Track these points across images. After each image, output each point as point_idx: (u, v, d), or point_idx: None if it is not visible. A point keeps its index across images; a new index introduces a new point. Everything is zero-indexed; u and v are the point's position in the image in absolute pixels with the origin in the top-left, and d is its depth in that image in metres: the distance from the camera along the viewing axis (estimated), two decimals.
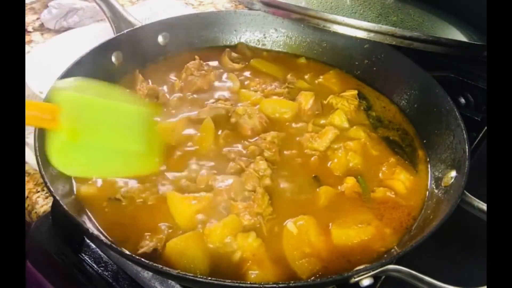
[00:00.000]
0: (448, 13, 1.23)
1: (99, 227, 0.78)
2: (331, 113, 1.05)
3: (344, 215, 0.84)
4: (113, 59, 1.08)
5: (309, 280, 0.73)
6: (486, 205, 0.76)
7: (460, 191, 0.78)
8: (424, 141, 1.02)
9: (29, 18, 1.56)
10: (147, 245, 0.74)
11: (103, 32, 1.27)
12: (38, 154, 0.76)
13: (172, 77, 1.13)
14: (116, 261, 0.81)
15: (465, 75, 1.26)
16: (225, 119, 1.01)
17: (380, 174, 0.93)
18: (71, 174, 0.78)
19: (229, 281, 0.64)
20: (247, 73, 1.18)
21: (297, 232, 0.79)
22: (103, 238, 0.73)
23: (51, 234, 0.85)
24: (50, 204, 0.89)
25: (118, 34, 1.11)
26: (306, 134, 0.99)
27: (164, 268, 0.65)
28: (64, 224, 0.84)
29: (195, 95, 1.08)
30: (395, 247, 0.80)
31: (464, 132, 0.89)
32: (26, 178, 0.99)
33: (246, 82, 1.14)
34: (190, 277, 0.64)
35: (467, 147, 0.86)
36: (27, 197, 0.97)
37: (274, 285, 0.63)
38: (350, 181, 0.89)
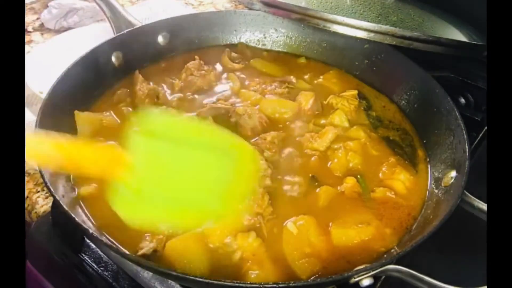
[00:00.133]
0: (448, 13, 1.23)
1: (99, 227, 0.78)
2: (331, 113, 1.05)
3: (344, 215, 0.84)
4: (113, 59, 1.08)
5: (309, 280, 0.73)
6: (486, 205, 0.76)
7: (460, 191, 0.78)
8: (424, 141, 1.02)
9: (29, 18, 1.56)
10: (147, 246, 0.74)
11: (103, 32, 1.28)
12: None
13: (172, 77, 1.13)
14: (116, 261, 0.81)
15: (465, 75, 1.26)
16: (225, 119, 1.01)
17: (380, 174, 0.93)
18: (138, 227, 0.67)
19: (229, 281, 0.64)
20: (247, 73, 1.18)
21: (297, 232, 0.79)
22: (103, 238, 0.74)
23: (51, 234, 0.85)
24: (50, 204, 0.89)
25: (118, 34, 1.11)
26: (306, 134, 0.99)
27: (164, 268, 0.65)
28: (64, 224, 0.84)
29: (195, 95, 1.08)
30: (395, 247, 0.80)
31: (464, 132, 0.89)
32: (26, 178, 0.99)
33: (246, 82, 1.14)
34: (190, 277, 0.64)
35: (467, 147, 0.86)
36: (27, 197, 0.97)
37: (274, 285, 0.63)
38: (350, 181, 0.89)
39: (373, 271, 0.67)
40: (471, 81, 1.26)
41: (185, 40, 1.22)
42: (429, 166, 0.96)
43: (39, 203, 0.95)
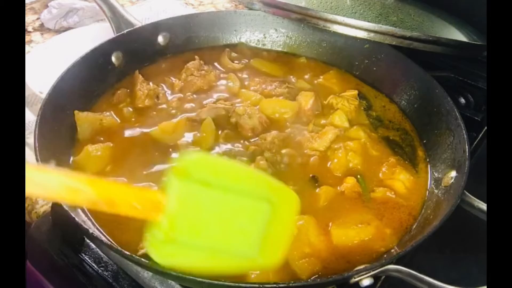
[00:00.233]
0: (448, 13, 1.23)
1: (99, 227, 0.78)
2: (331, 113, 1.05)
3: (344, 215, 0.84)
4: (113, 59, 1.08)
5: (309, 280, 0.73)
6: (486, 205, 0.76)
7: (460, 191, 0.78)
8: (424, 141, 1.02)
9: (29, 18, 1.56)
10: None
11: (103, 32, 1.28)
12: (38, 154, 0.76)
13: (172, 77, 1.13)
14: (116, 261, 0.81)
15: (465, 75, 1.26)
16: (225, 119, 1.01)
17: (380, 174, 0.93)
18: (171, 266, 0.63)
19: (229, 281, 0.64)
20: (247, 73, 1.18)
21: (297, 232, 0.79)
22: (103, 238, 0.74)
23: (51, 234, 0.85)
24: (50, 204, 0.89)
25: (118, 34, 1.11)
26: (306, 134, 0.99)
27: (164, 268, 0.65)
28: (64, 224, 0.83)
29: (195, 95, 1.08)
30: (395, 247, 0.80)
31: (464, 132, 0.89)
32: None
33: (246, 82, 1.14)
34: (190, 277, 0.64)
35: (467, 147, 0.86)
36: (27, 197, 0.96)
37: (274, 285, 0.63)
38: (350, 181, 0.89)
39: (373, 271, 0.67)
40: (471, 81, 1.26)
41: (185, 40, 1.22)
42: (429, 166, 0.96)
43: (39, 203, 0.95)
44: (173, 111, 1.03)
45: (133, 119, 1.00)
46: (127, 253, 0.70)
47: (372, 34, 0.98)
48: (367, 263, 0.75)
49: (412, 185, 0.91)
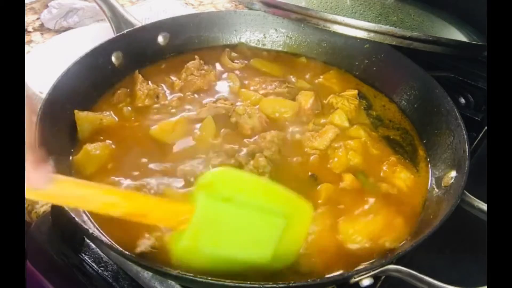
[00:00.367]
0: (448, 13, 1.23)
1: (99, 227, 0.78)
2: (331, 113, 1.05)
3: (349, 210, 0.84)
4: (113, 59, 1.08)
5: (309, 280, 0.73)
6: (486, 205, 0.76)
7: (460, 191, 0.78)
8: (424, 141, 1.02)
9: (29, 18, 1.56)
10: (144, 243, 0.74)
11: (103, 32, 1.28)
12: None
13: (172, 77, 1.13)
14: (116, 261, 0.81)
15: (465, 75, 1.26)
16: (225, 118, 1.01)
17: (381, 173, 0.93)
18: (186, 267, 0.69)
19: (229, 281, 0.64)
20: (247, 73, 1.18)
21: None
22: (103, 238, 0.74)
23: (51, 234, 0.85)
24: (50, 204, 0.89)
25: (118, 34, 1.11)
26: (306, 133, 0.99)
27: (164, 268, 0.65)
28: (64, 224, 0.84)
29: (195, 95, 1.08)
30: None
31: (464, 132, 0.90)
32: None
33: (246, 82, 1.14)
34: (190, 277, 0.64)
35: (467, 147, 0.86)
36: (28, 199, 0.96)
37: (274, 285, 0.63)
38: (348, 178, 0.89)
39: (373, 271, 0.67)
40: (471, 81, 1.26)
41: (185, 40, 1.22)
42: (429, 166, 0.96)
43: (39, 203, 0.95)
44: (173, 110, 1.03)
45: (133, 118, 1.00)
46: (127, 253, 0.70)
47: (372, 34, 0.98)
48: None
49: (413, 184, 0.91)
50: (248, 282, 0.64)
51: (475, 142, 1.07)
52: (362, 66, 1.20)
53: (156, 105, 1.04)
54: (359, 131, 1.01)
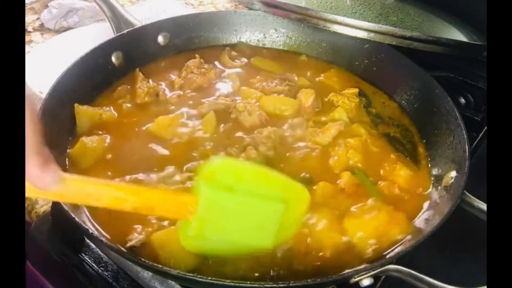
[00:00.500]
0: (448, 13, 1.23)
1: (99, 227, 0.78)
2: (332, 111, 1.05)
3: (349, 208, 0.84)
4: (113, 59, 1.08)
5: (309, 280, 0.73)
6: (486, 205, 0.76)
7: (460, 191, 0.78)
8: (424, 141, 1.02)
9: (29, 18, 1.56)
10: (136, 238, 0.74)
11: (103, 32, 1.28)
12: None
13: (172, 75, 1.13)
14: (116, 261, 0.81)
15: (465, 75, 1.26)
16: (225, 115, 1.01)
17: (381, 171, 0.93)
18: (195, 252, 0.75)
19: (229, 281, 0.64)
20: (247, 71, 1.18)
21: (308, 231, 0.80)
22: (103, 238, 0.74)
23: (51, 234, 0.85)
24: (50, 204, 0.89)
25: (118, 34, 1.11)
26: (309, 128, 0.99)
27: (164, 268, 0.65)
28: (64, 224, 0.83)
29: (194, 93, 1.08)
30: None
31: (464, 132, 0.89)
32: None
33: (246, 80, 1.14)
34: (190, 277, 0.64)
35: (467, 147, 0.86)
36: (27, 197, 0.96)
37: (274, 285, 0.63)
38: (345, 176, 0.89)
39: (373, 271, 0.67)
40: (471, 81, 1.26)
41: (185, 40, 1.22)
42: (429, 165, 0.96)
43: (39, 203, 0.95)
44: (172, 107, 1.03)
45: (132, 114, 1.01)
46: (127, 253, 0.70)
47: (372, 34, 0.98)
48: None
49: (413, 181, 0.91)
50: (248, 282, 0.65)
51: (475, 142, 1.07)
52: (362, 66, 1.20)
53: (155, 102, 1.05)
54: (359, 129, 1.01)
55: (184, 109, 1.02)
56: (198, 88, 1.10)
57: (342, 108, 1.06)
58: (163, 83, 1.11)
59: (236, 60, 1.21)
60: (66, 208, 0.70)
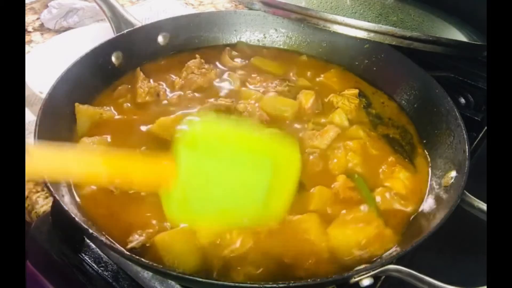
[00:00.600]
0: (448, 13, 1.23)
1: (99, 227, 0.78)
2: (332, 112, 1.05)
3: (341, 214, 0.83)
4: (113, 59, 1.08)
5: (309, 280, 0.73)
6: (486, 205, 0.76)
7: (460, 191, 0.78)
8: (424, 141, 1.02)
9: (29, 18, 1.56)
10: (136, 239, 0.74)
11: (103, 32, 1.28)
12: None
13: (173, 75, 1.13)
14: (116, 261, 0.81)
15: (465, 75, 1.26)
16: (226, 115, 1.01)
17: (380, 173, 0.93)
18: (182, 222, 0.71)
19: (229, 281, 0.64)
20: (247, 72, 1.18)
21: (298, 233, 0.78)
22: (103, 238, 0.73)
23: (51, 234, 0.85)
24: (50, 204, 0.89)
25: (118, 34, 1.11)
26: (307, 132, 0.99)
27: (164, 268, 0.65)
28: (64, 224, 0.84)
29: (195, 94, 1.08)
30: (396, 247, 0.80)
31: (464, 132, 0.89)
32: (26, 178, 0.99)
33: (246, 80, 1.14)
34: (190, 277, 0.64)
35: (467, 147, 0.86)
36: (27, 197, 0.97)
37: (274, 285, 0.63)
38: (340, 179, 0.88)
39: (373, 271, 0.67)
40: (471, 81, 1.26)
41: (185, 40, 1.22)
42: (429, 165, 0.96)
43: (39, 203, 0.95)
44: (173, 108, 1.03)
45: (132, 114, 1.01)
46: (127, 253, 0.70)
47: (372, 34, 0.98)
48: (366, 263, 0.74)
49: (412, 184, 0.91)
50: (248, 282, 0.65)
51: (475, 142, 1.07)
52: (362, 66, 1.20)
53: (156, 102, 1.04)
54: (358, 131, 1.00)
55: (186, 110, 1.02)
56: (199, 89, 1.10)
57: (342, 109, 1.05)
58: (163, 83, 1.11)
59: (236, 60, 1.21)
60: (66, 208, 0.70)
